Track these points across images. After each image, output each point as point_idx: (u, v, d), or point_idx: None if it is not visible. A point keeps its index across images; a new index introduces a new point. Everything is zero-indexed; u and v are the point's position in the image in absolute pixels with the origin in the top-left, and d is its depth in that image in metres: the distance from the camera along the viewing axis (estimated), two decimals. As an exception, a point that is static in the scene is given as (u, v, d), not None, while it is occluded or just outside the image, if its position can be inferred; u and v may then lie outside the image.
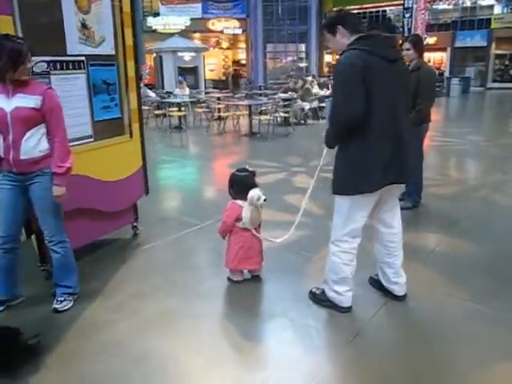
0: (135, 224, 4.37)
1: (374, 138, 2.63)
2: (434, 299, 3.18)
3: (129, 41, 3.85)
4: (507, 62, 28.67)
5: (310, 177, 6.62)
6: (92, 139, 3.67)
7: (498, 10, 28.05)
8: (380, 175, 2.68)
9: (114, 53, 3.79)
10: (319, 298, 3.13)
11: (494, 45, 27.67)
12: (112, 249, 4.11)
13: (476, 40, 27.73)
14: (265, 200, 3.24)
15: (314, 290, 3.22)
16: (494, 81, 28.08)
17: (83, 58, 3.52)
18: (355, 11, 29.74)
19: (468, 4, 28.63)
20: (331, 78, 18.90)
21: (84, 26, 3.49)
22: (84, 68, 3.54)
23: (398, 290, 3.14)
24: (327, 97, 13.64)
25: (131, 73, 3.92)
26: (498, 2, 27.60)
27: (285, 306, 3.13)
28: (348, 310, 3.01)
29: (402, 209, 4.97)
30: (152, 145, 10.47)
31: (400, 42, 5.00)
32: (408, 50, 4.70)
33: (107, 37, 3.70)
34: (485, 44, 27.58)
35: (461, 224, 4.65)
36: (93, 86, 3.63)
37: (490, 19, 27.48)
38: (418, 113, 4.70)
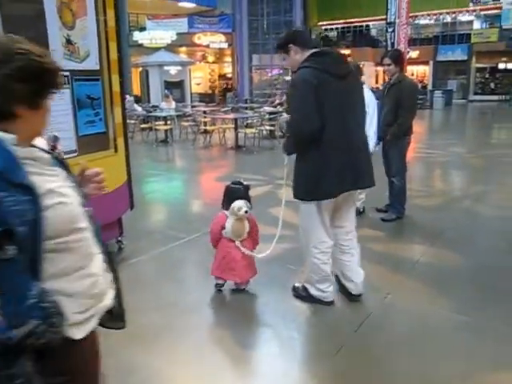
0: (120, 238, 4.34)
1: (327, 150, 2.84)
2: (418, 310, 3.20)
3: (113, 55, 3.87)
4: (487, 75, 29.31)
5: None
6: (76, 154, 3.66)
7: (477, 25, 28.75)
8: (336, 183, 2.89)
9: (98, 67, 3.80)
10: (301, 294, 3.32)
11: (474, 59, 28.28)
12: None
13: (457, 54, 28.34)
14: (246, 212, 3.29)
15: (296, 285, 3.41)
16: (476, 93, 28.65)
17: (67, 74, 3.52)
18: (339, 26, 30.33)
19: (448, 19, 29.28)
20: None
21: (69, 41, 3.51)
22: (68, 83, 3.54)
23: (353, 289, 3.26)
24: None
25: (116, 87, 3.93)
26: (477, 18, 28.27)
27: (271, 319, 3.13)
28: (331, 303, 3.22)
29: (385, 220, 5.11)
30: (138, 159, 10.44)
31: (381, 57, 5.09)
32: (389, 65, 4.78)
33: (92, 52, 3.72)
34: (465, 58, 28.19)
35: (445, 235, 4.70)
36: (77, 100, 3.63)
37: (469, 34, 28.13)
38: (399, 126, 4.78)
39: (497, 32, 26.47)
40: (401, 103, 4.76)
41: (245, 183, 3.50)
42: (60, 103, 3.49)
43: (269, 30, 27.32)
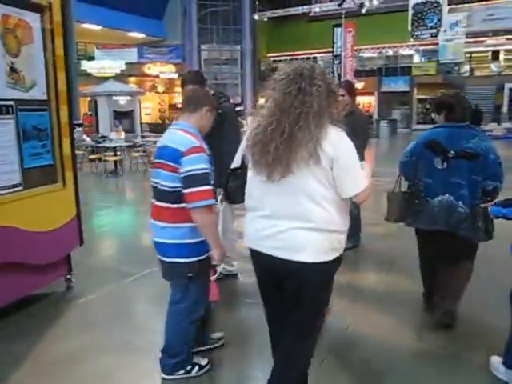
0: (68, 276, 4.09)
1: None
2: (380, 340, 3.17)
3: (62, 85, 3.73)
4: (428, 106, 30.84)
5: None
6: (21, 187, 3.44)
7: (416, 59, 30.37)
8: None
9: (45, 98, 3.64)
10: None
11: (415, 90, 29.72)
12: (43, 304, 3.81)
13: (399, 85, 29.70)
14: None
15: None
16: (418, 123, 29.99)
17: (11, 103, 3.34)
18: (288, 57, 31.14)
19: (390, 53, 30.78)
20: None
21: (13, 69, 3.34)
22: (12, 113, 3.36)
23: None
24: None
25: (64, 118, 3.77)
26: (416, 52, 29.91)
27: (228, 362, 3.00)
28: None
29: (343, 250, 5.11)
30: (87, 190, 10.07)
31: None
32: (343, 95, 4.87)
33: (38, 81, 3.56)
34: (408, 89, 29.57)
35: (397, 262, 4.73)
36: (22, 131, 3.44)
37: (410, 67, 29.64)
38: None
39: (435, 65, 28.04)
40: (354, 134, 4.82)
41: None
42: (2, 134, 3.30)
43: (220, 61, 27.70)
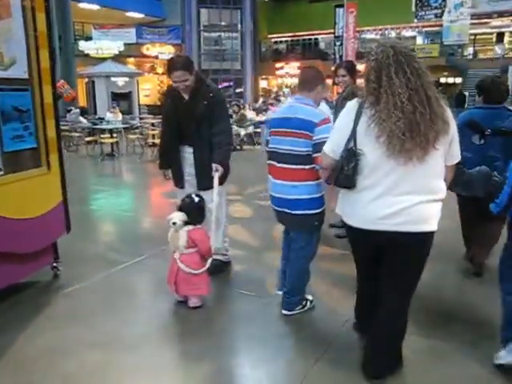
0: (55, 264, 3.92)
1: None
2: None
3: (45, 63, 3.50)
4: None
5: (246, 205, 6.43)
6: (1, 172, 3.25)
7: (419, 40, 29.84)
8: None
9: (27, 76, 3.42)
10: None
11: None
12: (29, 293, 3.65)
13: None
14: (173, 223, 3.25)
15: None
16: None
17: (-11, 82, 3.14)
18: (288, 39, 30.67)
19: (393, 35, 30.24)
20: (266, 102, 19.09)
21: (-11, 46, 3.12)
22: (-9, 93, 3.15)
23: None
24: (262, 122, 13.66)
25: (48, 98, 3.56)
26: (419, 33, 29.37)
27: (218, 358, 2.85)
28: None
29: (341, 237, 4.91)
30: (82, 173, 9.93)
31: (333, 68, 4.98)
32: (343, 76, 4.66)
33: (19, 58, 3.33)
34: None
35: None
36: (1, 112, 3.23)
37: (413, 49, 29.14)
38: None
39: (438, 48, 27.54)
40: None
41: (192, 197, 3.39)
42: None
43: (219, 41, 27.27)
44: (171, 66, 3.55)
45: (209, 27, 26.50)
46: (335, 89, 11.84)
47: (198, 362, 2.77)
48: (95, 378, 2.60)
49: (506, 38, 27.45)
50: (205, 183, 3.67)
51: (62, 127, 13.68)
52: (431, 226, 2.27)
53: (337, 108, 4.89)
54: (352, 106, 2.32)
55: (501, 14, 25.63)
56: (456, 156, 2.33)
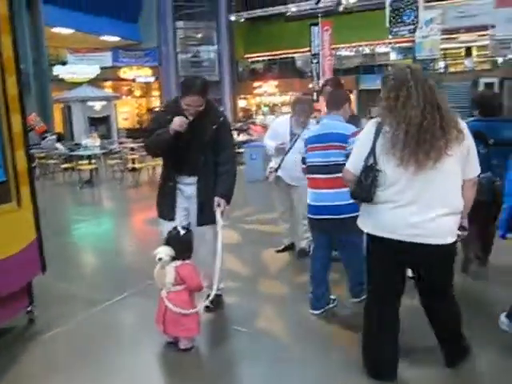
0: (29, 308, 3.58)
1: None
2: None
3: (12, 90, 3.22)
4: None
5: (233, 229, 6.17)
6: (-35, 210, 2.95)
7: (393, 56, 30.32)
8: None
9: (-8, 105, 3.14)
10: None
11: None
12: (3, 341, 3.30)
13: (377, 83, 29.43)
14: (159, 259, 2.97)
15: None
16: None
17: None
18: (265, 58, 30.82)
19: (367, 51, 30.69)
20: (246, 122, 19.02)
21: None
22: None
23: None
24: (244, 142, 13.48)
25: (17, 128, 3.27)
26: (393, 49, 29.87)
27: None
28: None
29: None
30: (60, 203, 9.56)
31: (320, 85, 4.83)
32: (331, 93, 4.50)
33: (-17, 86, 3.06)
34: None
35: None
36: (-35, 145, 2.94)
37: (387, 64, 29.55)
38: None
39: (411, 62, 27.97)
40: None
41: (178, 229, 3.11)
42: None
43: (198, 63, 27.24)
44: (187, 89, 3.22)
45: (185, 39, 26.50)
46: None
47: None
48: None
49: (474, 52, 28.14)
50: (206, 218, 3.38)
51: (38, 155, 13.36)
52: (446, 239, 2.37)
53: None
54: (371, 125, 2.47)
55: (468, 29, 26.28)
56: (475, 169, 2.45)
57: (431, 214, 2.31)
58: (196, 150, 3.32)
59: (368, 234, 2.58)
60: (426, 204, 2.31)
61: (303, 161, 3.63)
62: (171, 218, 3.44)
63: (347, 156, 3.03)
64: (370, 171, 2.38)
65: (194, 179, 3.40)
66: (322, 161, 3.39)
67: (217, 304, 3.54)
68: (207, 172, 3.37)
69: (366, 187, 2.40)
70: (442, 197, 2.32)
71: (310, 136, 3.60)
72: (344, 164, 2.99)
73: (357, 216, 2.93)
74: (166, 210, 3.47)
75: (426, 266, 2.51)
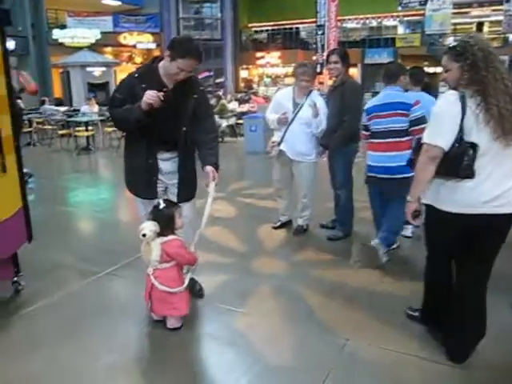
0: (16, 279, 3.47)
1: None
2: (385, 359, 2.67)
3: (-4, 50, 3.03)
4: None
5: (230, 203, 6.04)
6: None
7: (401, 30, 29.63)
8: None
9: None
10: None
11: (399, 61, 29.12)
12: (-17, 315, 3.21)
13: (383, 57, 28.90)
14: (143, 235, 2.78)
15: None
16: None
17: None
18: (269, 28, 30.14)
19: (374, 24, 29.98)
20: (248, 93, 18.69)
21: None
22: None
23: None
24: (245, 113, 13.23)
25: (1, 90, 3.09)
26: (401, 23, 29.16)
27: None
28: None
29: (332, 239, 4.59)
30: (55, 170, 9.41)
31: (325, 55, 4.62)
32: (336, 62, 4.29)
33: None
34: (391, 61, 28.91)
35: (399, 255, 4.23)
36: None
37: (394, 38, 28.89)
38: (344, 131, 4.30)
39: (419, 37, 27.36)
40: (345, 106, 4.27)
41: (165, 204, 2.92)
42: None
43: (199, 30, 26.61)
44: (185, 51, 2.82)
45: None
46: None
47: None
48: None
49: (486, 28, 27.41)
50: (187, 194, 3.21)
51: (36, 119, 13.13)
52: None
53: (329, 97, 4.59)
54: (453, 98, 2.34)
55: (481, 4, 25.55)
56: None
57: (509, 184, 2.35)
58: (176, 122, 3.02)
59: (436, 210, 2.49)
60: (503, 175, 2.35)
61: (365, 128, 3.97)
62: (152, 197, 3.13)
63: (411, 122, 3.69)
64: (469, 147, 2.32)
65: (173, 154, 3.12)
66: (387, 127, 3.79)
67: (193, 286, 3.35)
68: (187, 147, 3.13)
69: (470, 164, 2.33)
70: None
71: (373, 105, 3.93)
72: (405, 129, 3.71)
73: (408, 177, 3.05)
74: (142, 188, 3.15)
75: (491, 238, 2.50)
